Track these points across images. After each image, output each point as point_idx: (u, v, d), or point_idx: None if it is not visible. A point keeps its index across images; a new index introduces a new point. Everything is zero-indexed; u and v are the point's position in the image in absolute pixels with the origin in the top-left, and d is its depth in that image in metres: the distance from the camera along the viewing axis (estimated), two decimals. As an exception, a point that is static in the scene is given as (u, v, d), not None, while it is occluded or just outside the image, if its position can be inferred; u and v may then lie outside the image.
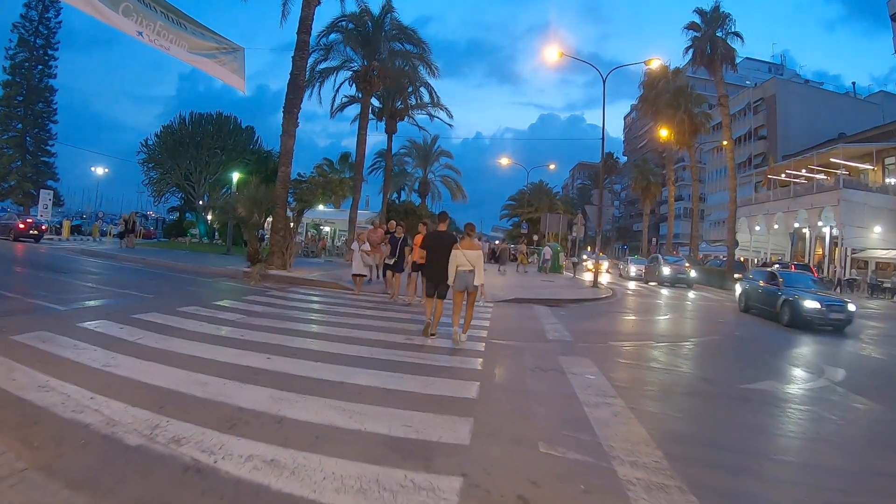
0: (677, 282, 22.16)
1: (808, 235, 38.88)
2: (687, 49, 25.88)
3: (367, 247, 11.27)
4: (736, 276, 26.89)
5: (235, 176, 24.19)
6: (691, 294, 19.80)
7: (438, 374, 4.90)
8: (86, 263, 14.92)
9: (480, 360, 5.59)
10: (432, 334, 6.62)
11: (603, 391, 4.85)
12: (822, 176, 38.17)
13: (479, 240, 11.09)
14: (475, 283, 6.28)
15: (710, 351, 7.95)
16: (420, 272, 7.93)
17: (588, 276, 23.40)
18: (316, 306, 9.13)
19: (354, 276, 11.17)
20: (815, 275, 26.14)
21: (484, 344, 6.49)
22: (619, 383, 5.22)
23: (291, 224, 14.60)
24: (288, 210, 14.84)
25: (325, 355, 5.34)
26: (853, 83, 58.75)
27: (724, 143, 30.83)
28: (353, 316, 8.10)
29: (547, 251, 29.68)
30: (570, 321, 9.49)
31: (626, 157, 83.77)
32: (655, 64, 19.59)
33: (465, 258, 6.33)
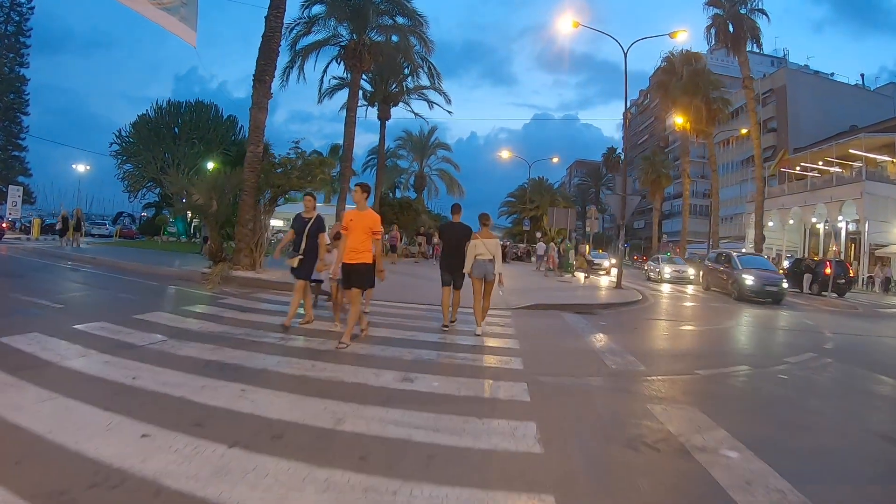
0: (765, 296, 14.20)
1: (822, 230, 36.89)
2: (708, 28, 23.66)
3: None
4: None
5: (211, 166, 21.67)
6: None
7: (475, 469, 2.52)
8: (24, 265, 12.53)
9: (534, 425, 3.19)
10: (452, 321, 6.73)
11: (778, 492, 2.52)
12: (836, 169, 36.26)
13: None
14: (494, 272, 6.35)
15: (838, 381, 5.62)
16: (354, 286, 5.34)
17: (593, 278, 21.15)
18: (279, 321, 6.72)
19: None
20: (852, 273, 24.04)
21: (526, 385, 4.11)
22: (785, 467, 2.87)
23: (263, 216, 12.18)
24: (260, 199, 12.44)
25: (261, 426, 2.96)
26: (861, 75, 56.82)
27: (744, 131, 28.71)
28: (327, 336, 5.71)
29: (541, 246, 27.52)
30: (620, 336, 7.14)
31: (625, 155, 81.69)
32: (681, 37, 17.27)
33: (484, 247, 6.37)
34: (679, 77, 29.10)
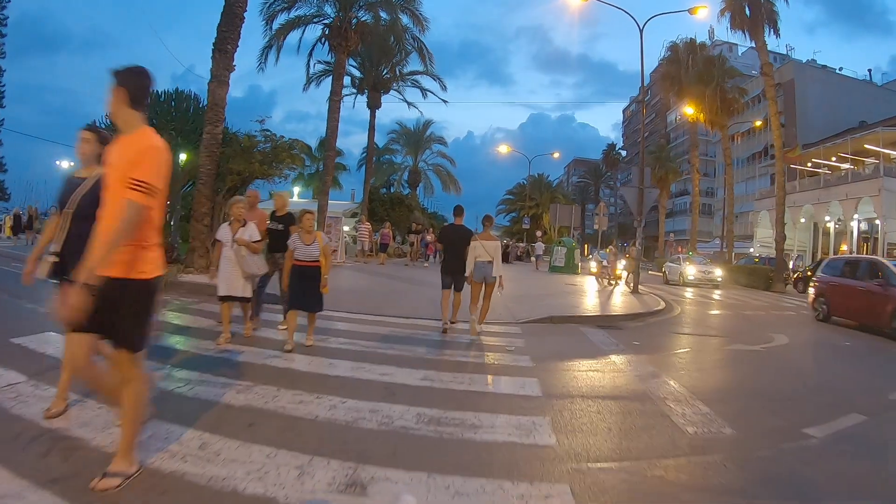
0: None
1: (832, 229, 35.32)
2: (722, 11, 21.86)
3: (248, 233, 4.96)
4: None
5: (183, 157, 19.73)
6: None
7: None
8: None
9: None
10: (453, 322, 6.53)
11: None
12: (847, 165, 34.81)
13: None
14: (493, 275, 6.15)
15: None
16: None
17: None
18: (207, 346, 4.88)
19: (222, 300, 5.01)
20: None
21: (570, 491, 2.31)
22: None
23: (222, 209, 10.36)
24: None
25: None
26: (869, 70, 55.27)
27: (758, 122, 27.10)
28: (261, 376, 3.92)
29: (539, 246, 25.72)
30: (667, 363, 5.39)
31: (625, 152, 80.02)
32: (702, 13, 15.55)
33: (483, 249, 6.20)
34: (686, 67, 27.37)
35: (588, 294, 12.59)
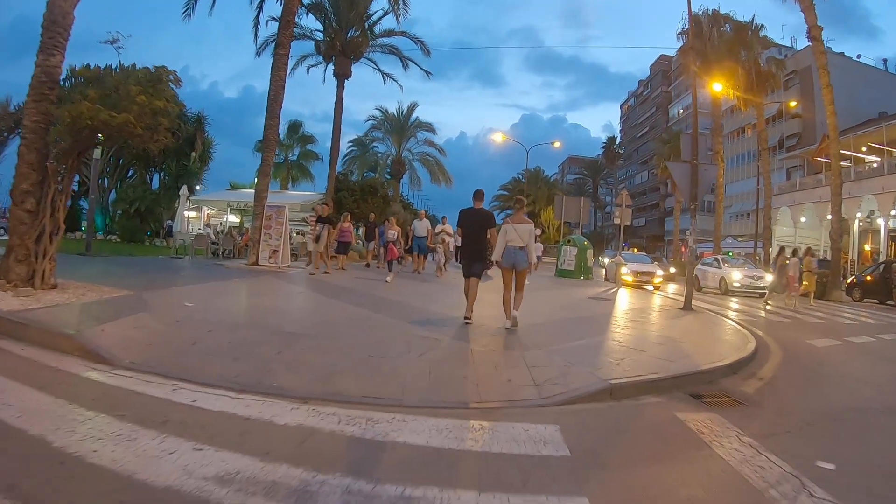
0: None
1: (856, 227, 32.15)
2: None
3: None
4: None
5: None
6: None
7: None
8: None
9: None
10: (467, 318, 6.18)
11: None
12: (872, 157, 31.83)
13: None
14: (528, 261, 5.94)
15: None
16: None
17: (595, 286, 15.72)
18: None
19: None
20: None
21: None
22: None
23: (56, 185, 6.54)
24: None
25: None
26: (884, 60, 52.07)
27: (793, 103, 23.70)
28: None
29: (539, 247, 22.12)
30: None
31: (623, 149, 76.64)
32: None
33: (515, 233, 5.94)
34: (710, 40, 23.85)
35: (630, 316, 8.87)
